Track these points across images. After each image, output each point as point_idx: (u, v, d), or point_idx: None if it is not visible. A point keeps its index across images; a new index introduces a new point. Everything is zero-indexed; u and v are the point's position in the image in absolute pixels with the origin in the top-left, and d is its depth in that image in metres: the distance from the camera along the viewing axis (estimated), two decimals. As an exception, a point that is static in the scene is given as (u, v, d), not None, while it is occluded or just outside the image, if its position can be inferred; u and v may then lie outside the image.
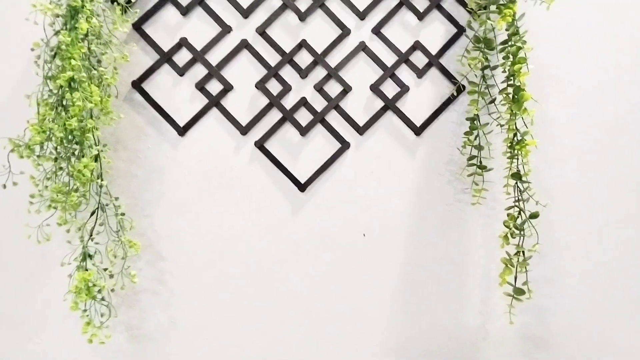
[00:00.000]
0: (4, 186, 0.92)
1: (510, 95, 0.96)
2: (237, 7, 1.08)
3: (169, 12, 1.07)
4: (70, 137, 0.91)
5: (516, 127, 0.96)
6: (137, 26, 1.06)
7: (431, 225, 1.08)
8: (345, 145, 1.08)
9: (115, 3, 0.99)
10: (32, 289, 1.02)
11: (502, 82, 0.99)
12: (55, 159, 0.92)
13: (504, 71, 0.98)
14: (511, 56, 0.96)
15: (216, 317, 1.06)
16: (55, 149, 0.92)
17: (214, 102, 1.07)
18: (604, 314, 1.09)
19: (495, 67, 1.00)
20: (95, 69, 0.94)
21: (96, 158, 0.94)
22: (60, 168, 0.93)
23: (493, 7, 0.98)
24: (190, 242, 1.06)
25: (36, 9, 0.89)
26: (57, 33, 0.92)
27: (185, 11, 1.07)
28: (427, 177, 1.08)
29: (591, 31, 1.10)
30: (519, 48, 0.95)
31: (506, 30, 0.98)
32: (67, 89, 0.89)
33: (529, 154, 0.95)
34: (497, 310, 1.06)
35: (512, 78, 0.96)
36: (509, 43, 0.97)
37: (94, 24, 0.91)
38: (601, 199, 1.08)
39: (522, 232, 0.95)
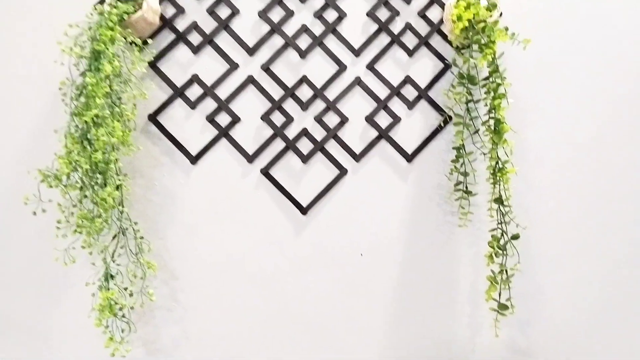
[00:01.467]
0: (34, 213, 1.01)
1: (492, 127, 1.06)
2: (244, 45, 1.18)
3: (182, 51, 1.18)
4: (94, 168, 1.01)
5: (498, 155, 1.05)
6: (153, 64, 1.16)
7: (423, 245, 1.17)
8: (343, 171, 1.18)
9: (133, 44, 1.09)
10: (56, 306, 1.11)
11: (485, 114, 1.09)
12: (81, 188, 1.02)
13: (486, 105, 1.08)
14: (492, 91, 1.06)
15: (225, 330, 1.15)
16: (81, 179, 1.01)
17: (223, 133, 1.17)
18: (584, 326, 1.17)
19: (478, 101, 1.10)
20: (117, 106, 1.04)
21: (117, 187, 1.04)
22: (85, 196, 1.02)
23: (475, 47, 1.08)
24: (201, 261, 1.15)
25: (62, 50, 0.99)
26: (82, 74, 1.02)
27: (196, 50, 1.17)
28: (419, 201, 1.17)
29: (565, 65, 1.20)
30: (499, 84, 1.05)
31: (487, 67, 1.08)
32: (92, 124, 0.99)
33: (509, 181, 1.04)
34: (484, 324, 1.14)
35: (493, 111, 1.06)
36: (490, 79, 1.07)
37: (116, 66, 1.01)
38: (578, 219, 1.18)
39: (504, 252, 1.04)
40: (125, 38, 1.06)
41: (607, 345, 1.17)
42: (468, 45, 1.10)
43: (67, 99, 1.02)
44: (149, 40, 1.13)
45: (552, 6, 1.21)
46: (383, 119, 1.19)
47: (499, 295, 1.05)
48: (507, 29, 1.07)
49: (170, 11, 1.18)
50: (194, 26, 1.17)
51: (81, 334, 1.11)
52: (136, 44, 1.09)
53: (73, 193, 1.01)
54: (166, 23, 1.17)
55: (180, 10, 1.17)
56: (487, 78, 1.08)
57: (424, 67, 1.20)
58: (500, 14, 1.19)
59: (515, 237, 1.04)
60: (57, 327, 1.11)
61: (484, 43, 1.07)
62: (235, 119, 1.17)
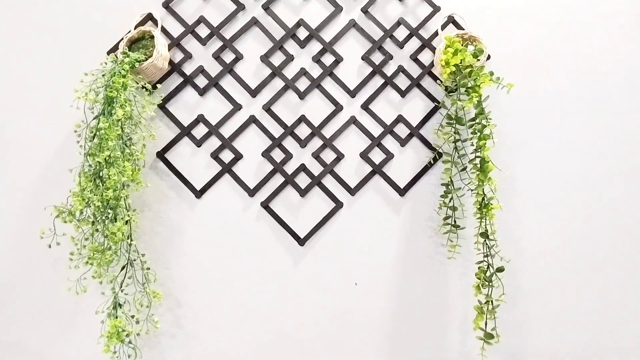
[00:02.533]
0: (49, 246, 1.09)
1: (478, 165, 1.13)
2: (247, 88, 1.27)
3: (189, 93, 1.26)
4: (105, 204, 1.08)
5: (483, 192, 1.12)
6: (162, 105, 1.25)
7: (415, 275, 1.23)
8: (339, 204, 1.25)
9: (144, 88, 1.18)
10: (68, 333, 1.17)
11: (472, 153, 1.16)
12: (93, 223, 1.09)
13: (472, 144, 1.15)
14: (478, 132, 1.13)
15: (227, 356, 1.21)
16: (93, 214, 1.09)
17: (226, 169, 1.24)
18: (569, 353, 1.21)
19: (465, 140, 1.17)
20: (127, 147, 1.12)
21: (127, 221, 1.12)
22: (97, 230, 1.10)
23: (463, 89, 1.16)
24: (203, 290, 1.22)
25: (78, 96, 1.08)
26: (96, 117, 1.11)
27: (202, 92, 1.26)
28: (411, 233, 1.24)
29: (552, 105, 1.27)
30: (484, 126, 1.12)
31: (474, 109, 1.15)
32: (104, 164, 1.07)
33: (494, 217, 1.10)
34: (473, 352, 1.19)
35: (479, 151, 1.13)
36: (476, 121, 1.14)
37: (127, 111, 1.10)
38: (564, 253, 1.23)
39: (490, 284, 1.10)
40: (136, 83, 1.15)
41: (594, 374, 1.21)
42: (455, 89, 1.18)
43: (81, 140, 1.11)
44: (158, 85, 1.22)
45: (539, 50, 1.29)
46: (377, 155, 1.27)
47: (485, 324, 1.10)
48: (492, 73, 1.14)
49: (178, 56, 1.27)
50: (201, 70, 1.26)
51: (90, 359, 1.17)
52: (146, 89, 1.18)
53: (85, 227, 1.09)
54: (175, 67, 1.26)
55: (187, 56, 1.26)
56: (473, 119, 1.15)
57: (415, 107, 1.27)
58: (488, 57, 1.27)
59: (500, 269, 1.10)
60: (68, 353, 1.17)
61: (471, 87, 1.15)
62: (238, 156, 1.25)
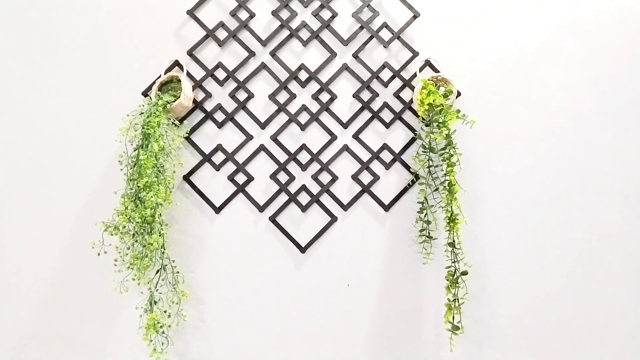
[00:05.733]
0: (98, 254, 1.35)
1: (447, 187, 1.37)
2: (257, 121, 1.52)
3: (209, 126, 1.52)
4: (144, 220, 1.34)
5: (451, 209, 1.36)
6: (187, 137, 1.50)
7: (397, 277, 1.47)
8: (334, 218, 1.49)
9: (173, 124, 1.44)
10: (112, 325, 1.43)
11: (442, 176, 1.40)
12: (133, 235, 1.35)
13: (442, 170, 1.39)
14: (447, 160, 1.37)
15: (241, 345, 1.45)
16: (134, 228, 1.34)
17: (240, 189, 1.49)
18: (529, 345, 1.45)
19: (437, 166, 1.42)
20: (161, 173, 1.38)
21: (160, 234, 1.37)
22: (136, 241, 1.35)
23: (435, 124, 1.40)
24: (222, 290, 1.46)
25: (121, 134, 1.34)
26: (136, 149, 1.36)
27: (220, 125, 1.51)
28: (393, 242, 1.48)
29: (513, 135, 1.51)
30: (451, 155, 1.36)
31: (444, 140, 1.39)
32: (142, 188, 1.33)
33: (459, 230, 1.34)
34: (445, 341, 1.43)
35: (447, 175, 1.37)
36: (446, 150, 1.38)
37: (161, 145, 1.35)
38: (522, 258, 1.47)
39: (457, 285, 1.34)
40: (167, 119, 1.41)
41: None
42: (430, 122, 1.43)
43: (123, 167, 1.37)
44: (184, 121, 1.47)
45: (502, 88, 1.53)
46: (365, 177, 1.51)
47: (453, 318, 1.34)
48: (458, 111, 1.38)
49: (200, 96, 1.53)
50: (219, 107, 1.52)
51: (130, 347, 1.42)
52: (175, 124, 1.44)
53: (127, 239, 1.34)
54: (197, 105, 1.51)
55: (208, 95, 1.52)
56: (443, 149, 1.39)
57: (398, 137, 1.52)
58: (459, 94, 1.52)
59: (464, 273, 1.34)
60: (112, 342, 1.42)
61: (441, 122, 1.39)
62: (250, 178, 1.50)
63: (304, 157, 1.51)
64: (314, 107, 1.53)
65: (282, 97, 1.53)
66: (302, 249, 1.48)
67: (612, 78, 1.54)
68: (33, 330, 1.42)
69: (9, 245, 1.45)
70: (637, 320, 1.45)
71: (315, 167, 1.51)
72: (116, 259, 1.34)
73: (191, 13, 1.54)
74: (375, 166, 1.51)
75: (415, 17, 1.55)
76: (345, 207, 1.50)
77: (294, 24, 1.55)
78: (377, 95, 1.53)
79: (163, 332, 1.36)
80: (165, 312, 1.37)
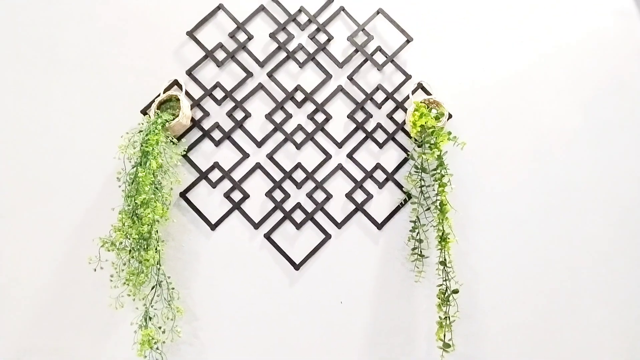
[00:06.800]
0: (95, 270, 1.36)
1: (438, 207, 1.41)
2: (253, 140, 1.55)
3: (206, 144, 1.55)
4: (140, 237, 1.35)
5: (443, 228, 1.39)
6: (184, 154, 1.53)
7: (390, 295, 1.49)
8: (328, 236, 1.52)
9: (171, 142, 1.47)
10: (107, 341, 1.43)
11: (434, 196, 1.44)
12: (130, 251, 1.36)
13: (434, 189, 1.43)
14: (438, 180, 1.41)
15: (234, 362, 1.47)
16: (130, 244, 1.36)
17: (236, 206, 1.52)
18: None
19: (429, 186, 1.46)
20: (159, 190, 1.40)
21: (156, 250, 1.39)
22: (132, 257, 1.36)
23: (427, 145, 1.44)
24: (216, 306, 1.47)
25: (121, 152, 1.36)
26: (134, 166, 1.38)
27: (217, 143, 1.54)
28: (386, 260, 1.51)
29: (499, 155, 1.56)
30: (443, 175, 1.41)
31: (436, 161, 1.43)
32: (140, 205, 1.35)
33: (450, 249, 1.38)
34: (437, 358, 1.45)
35: (439, 195, 1.41)
36: (437, 171, 1.42)
37: (159, 163, 1.38)
38: (510, 275, 1.50)
39: (448, 303, 1.37)
40: (166, 137, 1.44)
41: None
42: (422, 143, 1.47)
43: (122, 184, 1.39)
44: (182, 139, 1.50)
45: (492, 110, 1.58)
46: (359, 196, 1.54)
47: (444, 336, 1.36)
48: (449, 133, 1.43)
49: (198, 114, 1.56)
50: (216, 125, 1.55)
51: (123, 362, 1.43)
52: (173, 142, 1.47)
53: (124, 255, 1.35)
54: (195, 123, 1.55)
55: (206, 114, 1.55)
56: (435, 169, 1.43)
57: (391, 157, 1.56)
58: (450, 116, 1.56)
59: (455, 291, 1.37)
60: (107, 357, 1.42)
61: (433, 143, 1.43)
62: (246, 196, 1.52)
63: (299, 175, 1.55)
64: (310, 126, 1.57)
65: (279, 116, 1.57)
66: (297, 266, 1.50)
67: (597, 101, 1.61)
68: (29, 344, 1.42)
69: (7, 259, 1.45)
70: (625, 334, 1.49)
71: (310, 185, 1.54)
72: (112, 275, 1.35)
73: (191, 34, 1.58)
74: (369, 185, 1.55)
75: (408, 41, 1.60)
76: (339, 225, 1.53)
77: (290, 47, 1.59)
78: (371, 116, 1.57)
79: (157, 348, 1.36)
80: (159, 328, 1.38)
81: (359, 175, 1.55)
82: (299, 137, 1.56)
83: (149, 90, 1.55)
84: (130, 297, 1.36)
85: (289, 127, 1.56)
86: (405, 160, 1.55)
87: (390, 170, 1.55)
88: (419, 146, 1.49)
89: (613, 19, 1.65)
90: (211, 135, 1.55)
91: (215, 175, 1.54)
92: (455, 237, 1.41)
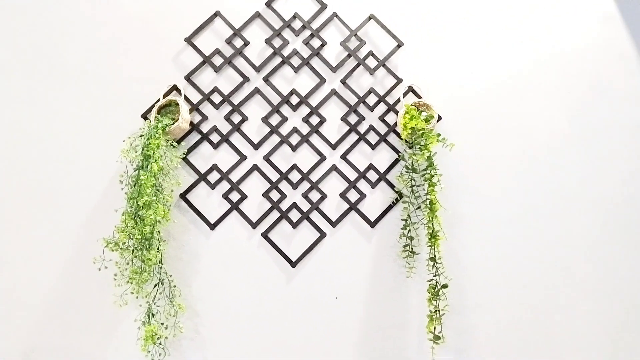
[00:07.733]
0: (99, 269, 1.42)
1: (428, 205, 1.47)
2: (250, 142, 1.61)
3: (205, 147, 1.60)
4: (143, 237, 1.41)
5: (432, 226, 1.46)
6: (184, 157, 1.59)
7: (382, 290, 1.56)
8: (323, 234, 1.58)
9: (171, 145, 1.52)
10: (112, 337, 1.49)
11: (424, 195, 1.50)
12: (133, 251, 1.42)
13: (424, 189, 1.49)
14: (428, 180, 1.47)
15: (234, 356, 1.52)
16: (133, 244, 1.41)
17: (234, 206, 1.58)
18: (507, 353, 1.54)
19: (419, 185, 1.52)
20: (160, 192, 1.45)
21: (158, 249, 1.44)
22: (135, 256, 1.42)
23: (417, 146, 1.51)
24: (216, 303, 1.53)
25: (123, 156, 1.42)
26: (136, 169, 1.44)
27: (215, 146, 1.60)
28: (379, 257, 1.57)
29: (487, 156, 1.62)
30: (432, 175, 1.47)
31: (426, 161, 1.49)
32: (142, 206, 1.40)
33: (439, 245, 1.44)
34: (427, 350, 1.51)
35: (429, 194, 1.47)
36: (427, 171, 1.48)
37: (160, 166, 1.43)
38: (497, 270, 1.57)
39: (437, 297, 1.43)
40: (166, 141, 1.49)
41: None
42: (412, 144, 1.53)
43: (124, 187, 1.44)
44: (182, 142, 1.56)
45: (481, 112, 1.65)
46: (353, 195, 1.60)
47: (434, 329, 1.43)
48: (439, 135, 1.49)
49: (197, 118, 1.61)
50: (215, 129, 1.60)
51: (128, 358, 1.48)
52: (173, 145, 1.52)
53: (127, 254, 1.41)
54: (194, 127, 1.60)
55: (204, 118, 1.61)
56: (425, 169, 1.50)
57: (383, 158, 1.62)
58: (440, 118, 1.62)
59: (445, 286, 1.43)
60: (112, 353, 1.48)
61: (423, 144, 1.49)
62: (244, 196, 1.58)
63: (294, 176, 1.61)
64: (305, 129, 1.62)
65: (275, 119, 1.62)
66: (293, 264, 1.56)
67: (583, 106, 1.67)
68: (37, 341, 1.48)
69: (14, 260, 1.51)
70: (614, 329, 1.56)
71: (305, 185, 1.60)
72: (116, 274, 1.41)
73: (189, 40, 1.64)
74: (362, 185, 1.61)
75: (399, 46, 1.66)
76: (333, 224, 1.59)
77: (285, 52, 1.65)
78: (364, 118, 1.63)
79: (160, 344, 1.42)
80: (162, 324, 1.44)
81: (352, 175, 1.61)
82: (295, 139, 1.62)
83: (149, 95, 1.60)
84: (134, 295, 1.42)
85: (284, 130, 1.62)
86: (396, 161, 1.61)
87: (382, 171, 1.61)
88: (409, 147, 1.55)
89: (598, 25, 1.71)
90: (209, 138, 1.60)
91: (214, 177, 1.59)
92: (445, 235, 1.47)
